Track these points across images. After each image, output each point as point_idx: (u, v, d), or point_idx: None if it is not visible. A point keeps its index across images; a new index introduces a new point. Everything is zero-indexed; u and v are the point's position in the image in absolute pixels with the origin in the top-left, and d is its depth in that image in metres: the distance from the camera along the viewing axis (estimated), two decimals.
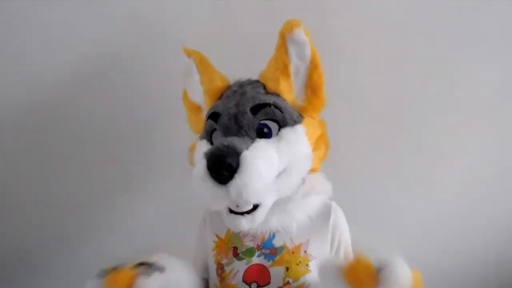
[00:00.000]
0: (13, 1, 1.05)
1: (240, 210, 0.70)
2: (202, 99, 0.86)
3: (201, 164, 0.66)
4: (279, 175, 0.71)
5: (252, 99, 0.74)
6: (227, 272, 0.78)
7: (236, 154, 0.64)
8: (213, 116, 0.76)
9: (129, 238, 1.27)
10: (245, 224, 0.70)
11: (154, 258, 0.66)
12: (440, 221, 1.20)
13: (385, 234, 1.20)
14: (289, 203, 0.76)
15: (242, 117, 0.73)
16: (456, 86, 1.11)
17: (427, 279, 1.27)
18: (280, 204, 0.75)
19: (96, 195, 1.23)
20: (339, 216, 0.82)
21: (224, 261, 0.79)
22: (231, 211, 0.71)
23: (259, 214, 0.71)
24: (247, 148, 0.66)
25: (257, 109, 0.73)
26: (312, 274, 0.76)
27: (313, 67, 0.78)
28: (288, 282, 0.75)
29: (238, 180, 0.63)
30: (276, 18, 1.06)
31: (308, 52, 0.77)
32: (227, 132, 0.73)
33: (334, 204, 0.83)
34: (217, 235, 0.84)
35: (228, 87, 0.82)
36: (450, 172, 1.17)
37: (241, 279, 0.75)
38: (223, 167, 0.63)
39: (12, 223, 1.24)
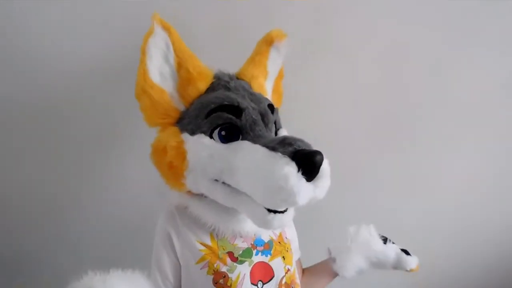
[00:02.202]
0: (12, 0, 1.05)
1: (282, 209, 0.67)
2: (169, 83, 0.75)
3: (286, 162, 0.60)
4: None
5: (263, 99, 0.75)
6: (233, 279, 0.72)
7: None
8: (230, 109, 0.70)
9: (130, 238, 1.27)
10: (287, 220, 0.69)
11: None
12: (440, 221, 1.20)
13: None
14: None
15: (268, 114, 0.73)
16: (456, 86, 1.11)
17: (427, 279, 1.28)
18: None
19: (96, 195, 1.23)
20: None
21: (225, 269, 0.73)
22: (270, 211, 0.66)
23: (292, 211, 0.71)
24: None
25: (271, 109, 0.75)
26: (294, 256, 0.85)
27: (280, 75, 0.85)
28: (288, 270, 0.79)
29: (325, 179, 0.64)
30: (277, 18, 1.07)
31: (280, 62, 0.84)
32: (254, 128, 0.70)
33: None
34: (203, 243, 0.75)
35: (215, 77, 0.78)
36: (450, 172, 1.17)
37: (249, 282, 0.74)
38: (321, 165, 0.62)
39: (13, 223, 1.24)
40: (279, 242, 0.81)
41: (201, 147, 0.69)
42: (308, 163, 0.61)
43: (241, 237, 0.77)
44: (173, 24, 1.07)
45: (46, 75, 1.11)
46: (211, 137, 0.70)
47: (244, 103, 0.71)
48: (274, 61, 0.84)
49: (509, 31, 1.06)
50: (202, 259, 0.73)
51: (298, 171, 0.60)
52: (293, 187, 0.59)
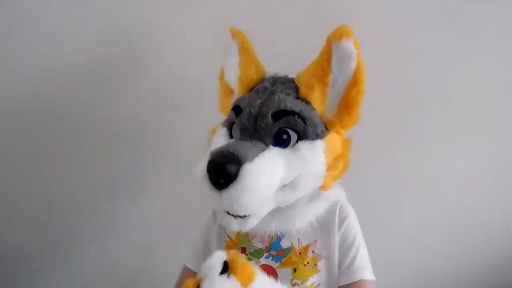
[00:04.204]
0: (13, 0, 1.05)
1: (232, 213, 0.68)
2: (236, 84, 0.83)
3: (203, 162, 0.65)
4: (283, 187, 0.69)
5: (277, 103, 0.71)
6: None
7: (237, 164, 0.62)
8: (236, 109, 0.75)
9: (130, 238, 1.27)
10: (235, 226, 0.69)
11: None
12: (440, 221, 1.20)
13: (385, 234, 1.20)
14: (292, 209, 0.74)
15: (261, 120, 0.70)
16: (457, 86, 1.10)
17: (427, 279, 1.28)
18: (282, 209, 0.73)
19: (96, 195, 1.23)
20: (349, 214, 0.79)
21: None
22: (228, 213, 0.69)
23: (251, 220, 0.69)
24: (251, 160, 0.63)
25: (279, 115, 0.70)
26: (321, 274, 0.75)
27: (353, 82, 0.74)
28: (295, 284, 0.74)
29: (232, 191, 0.62)
30: (278, 19, 1.07)
31: (352, 65, 0.73)
32: (243, 131, 0.72)
33: (343, 204, 0.80)
34: (228, 236, 0.82)
35: (262, 79, 0.80)
36: (450, 172, 1.17)
37: None
38: (221, 174, 0.62)
39: (13, 223, 1.24)
40: (300, 253, 0.76)
41: (215, 137, 0.79)
42: (208, 168, 0.63)
43: (259, 236, 0.78)
44: (172, 24, 1.08)
45: (48, 76, 1.12)
46: (230, 131, 0.77)
47: (247, 106, 0.72)
48: (339, 65, 0.73)
49: (510, 31, 1.06)
50: (224, 248, 0.81)
51: (206, 175, 0.64)
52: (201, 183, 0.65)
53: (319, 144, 0.71)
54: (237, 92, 0.82)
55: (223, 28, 1.08)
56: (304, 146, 0.70)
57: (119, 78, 1.13)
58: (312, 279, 0.74)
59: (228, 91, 0.87)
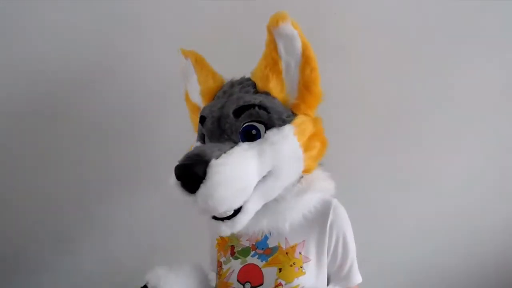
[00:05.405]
0: (14, 0, 1.05)
1: (219, 216, 0.68)
2: (200, 100, 0.85)
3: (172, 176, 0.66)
4: (264, 178, 0.69)
5: (236, 101, 0.72)
6: (224, 270, 0.79)
7: (202, 163, 0.62)
8: (201, 119, 0.76)
9: (129, 238, 1.27)
10: (225, 229, 0.69)
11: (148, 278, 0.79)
12: (439, 221, 1.20)
13: (385, 234, 1.21)
14: (281, 203, 0.73)
15: (224, 120, 0.71)
16: (456, 86, 1.11)
17: (427, 279, 1.28)
18: (271, 204, 0.73)
19: (96, 194, 1.23)
20: (339, 215, 0.78)
21: (222, 259, 0.81)
22: (213, 216, 0.69)
23: (240, 219, 0.68)
24: (217, 156, 0.64)
25: (240, 111, 0.71)
26: (307, 277, 0.74)
27: (304, 61, 0.73)
28: (280, 284, 0.73)
29: (203, 189, 0.62)
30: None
31: (298, 46, 0.72)
32: (211, 136, 0.73)
33: (334, 202, 0.79)
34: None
35: (221, 87, 0.81)
36: (450, 172, 1.17)
37: (235, 278, 0.76)
38: (189, 176, 0.63)
39: (12, 223, 1.24)
40: (286, 253, 0.75)
41: None
42: (176, 175, 0.65)
43: (247, 235, 0.77)
44: (173, 25, 1.09)
45: (47, 77, 1.12)
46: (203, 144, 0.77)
47: (209, 112, 0.74)
48: (285, 49, 0.73)
49: (510, 31, 1.06)
50: (215, 246, 0.86)
51: (177, 182, 0.65)
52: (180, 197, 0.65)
53: (288, 128, 0.71)
54: (202, 106, 0.84)
55: (215, 24, 1.08)
56: (272, 133, 0.70)
57: (121, 78, 1.13)
58: (298, 281, 0.73)
59: (196, 110, 0.87)
